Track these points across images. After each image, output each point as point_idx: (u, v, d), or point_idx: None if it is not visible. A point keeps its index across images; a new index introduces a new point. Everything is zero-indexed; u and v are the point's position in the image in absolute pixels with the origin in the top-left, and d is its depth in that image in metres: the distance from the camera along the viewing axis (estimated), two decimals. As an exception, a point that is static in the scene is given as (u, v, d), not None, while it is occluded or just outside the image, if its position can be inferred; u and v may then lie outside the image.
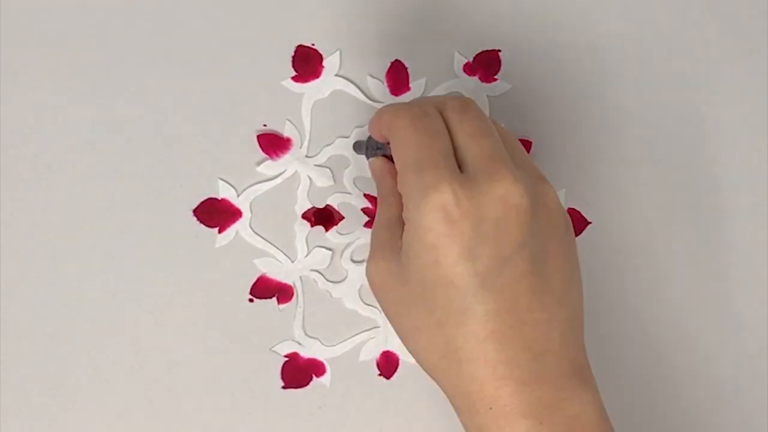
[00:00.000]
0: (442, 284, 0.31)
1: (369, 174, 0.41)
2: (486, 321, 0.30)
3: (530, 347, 0.31)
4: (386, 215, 0.35)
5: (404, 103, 0.34)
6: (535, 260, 0.31)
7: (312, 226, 0.41)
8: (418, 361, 0.33)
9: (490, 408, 0.31)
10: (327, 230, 0.41)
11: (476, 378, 0.31)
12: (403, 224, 0.33)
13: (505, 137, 0.34)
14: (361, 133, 0.40)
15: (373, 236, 0.35)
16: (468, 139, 0.32)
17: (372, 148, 0.38)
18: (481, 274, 0.30)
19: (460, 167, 0.32)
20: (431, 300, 0.31)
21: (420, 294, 0.31)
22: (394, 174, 0.35)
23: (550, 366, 0.31)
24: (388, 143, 0.35)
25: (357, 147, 0.40)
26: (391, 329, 0.40)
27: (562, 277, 0.32)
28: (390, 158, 0.36)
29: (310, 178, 0.41)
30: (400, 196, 0.33)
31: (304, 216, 0.40)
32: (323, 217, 0.41)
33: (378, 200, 0.36)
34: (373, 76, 0.41)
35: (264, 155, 0.40)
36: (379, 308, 0.40)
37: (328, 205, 0.41)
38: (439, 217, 0.30)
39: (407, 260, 0.31)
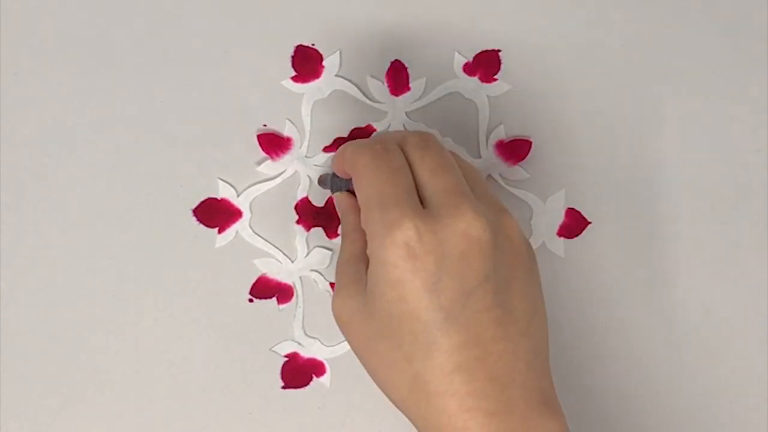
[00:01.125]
0: (408, 319, 0.31)
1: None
2: (452, 354, 0.31)
3: (497, 378, 0.31)
4: (350, 251, 0.35)
5: (365, 140, 0.35)
6: (498, 292, 0.31)
7: (308, 229, 0.41)
8: (387, 395, 0.34)
9: None
10: (330, 237, 0.41)
11: (445, 411, 0.31)
12: (367, 260, 0.33)
13: (467, 171, 0.34)
14: (327, 168, 0.41)
15: (338, 273, 0.35)
16: (429, 175, 0.32)
17: (336, 184, 0.38)
18: (446, 308, 0.31)
19: (422, 203, 0.32)
20: (397, 335, 0.31)
21: (386, 329, 0.32)
22: (357, 210, 0.35)
23: (517, 396, 0.31)
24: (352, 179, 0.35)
25: (321, 182, 0.40)
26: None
27: (527, 307, 0.32)
28: (354, 194, 0.36)
29: (310, 178, 0.41)
30: (363, 232, 0.34)
31: (300, 217, 0.40)
32: (322, 217, 0.41)
33: (341, 236, 0.36)
34: (373, 76, 0.41)
35: (264, 155, 0.41)
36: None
37: (327, 203, 0.41)
38: (402, 253, 0.30)
39: (372, 297, 0.32)
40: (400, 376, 0.32)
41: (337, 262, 0.35)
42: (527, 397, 0.31)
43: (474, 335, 0.31)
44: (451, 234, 0.31)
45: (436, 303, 0.31)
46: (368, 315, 0.32)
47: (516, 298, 0.32)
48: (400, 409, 0.33)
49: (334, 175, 0.38)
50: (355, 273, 0.34)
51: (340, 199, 0.37)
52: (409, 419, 0.33)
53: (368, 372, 0.34)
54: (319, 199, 0.41)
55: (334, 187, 0.38)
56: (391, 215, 0.31)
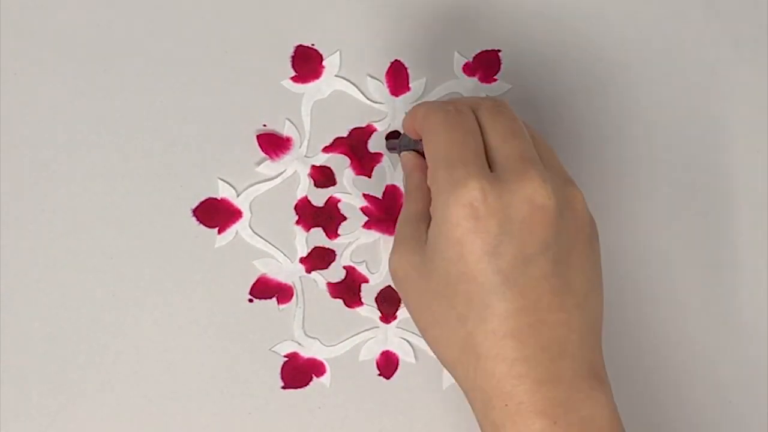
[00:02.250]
0: (465, 279, 0.31)
1: (368, 174, 0.41)
2: (506, 318, 0.31)
3: (548, 347, 0.31)
4: (412, 209, 0.35)
5: (438, 101, 0.35)
6: (558, 262, 0.31)
7: (308, 229, 0.41)
8: (436, 354, 0.34)
9: (506, 405, 0.31)
10: (330, 237, 0.41)
11: (493, 374, 0.31)
12: (428, 219, 0.33)
13: (537, 140, 0.34)
14: (392, 129, 0.41)
15: (398, 229, 0.35)
16: (499, 139, 0.33)
17: (405, 143, 0.38)
18: (504, 272, 0.31)
19: (490, 167, 0.32)
20: (453, 295, 0.31)
21: (442, 288, 0.32)
22: (423, 169, 0.35)
23: (567, 367, 0.31)
24: (421, 140, 0.35)
25: (389, 139, 0.40)
26: (391, 329, 0.41)
27: (584, 280, 0.32)
28: (421, 154, 0.36)
29: (310, 178, 0.41)
30: (427, 191, 0.34)
31: (300, 217, 0.40)
32: (322, 217, 0.41)
33: (405, 194, 0.36)
34: (372, 76, 0.41)
35: (264, 155, 0.41)
36: (376, 308, 0.41)
37: (327, 203, 0.41)
38: (466, 213, 0.31)
39: (432, 254, 0.32)
40: (452, 336, 0.32)
41: (398, 220, 0.35)
42: (577, 368, 0.31)
43: (530, 302, 0.31)
44: (516, 199, 0.31)
45: (494, 266, 0.31)
46: (426, 273, 0.32)
47: (574, 271, 0.32)
48: (447, 369, 0.33)
49: (403, 135, 0.38)
50: (415, 230, 0.34)
51: (407, 158, 0.37)
52: (456, 380, 0.33)
53: (420, 329, 0.34)
54: (318, 199, 0.41)
55: (402, 146, 0.38)
56: (458, 174, 0.31)
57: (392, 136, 0.40)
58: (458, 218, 0.31)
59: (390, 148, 0.40)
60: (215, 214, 0.40)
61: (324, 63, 0.41)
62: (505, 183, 0.31)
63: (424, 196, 0.35)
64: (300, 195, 0.41)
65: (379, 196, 0.41)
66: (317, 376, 0.40)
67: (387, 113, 0.41)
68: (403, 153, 0.38)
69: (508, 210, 0.31)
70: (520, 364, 0.31)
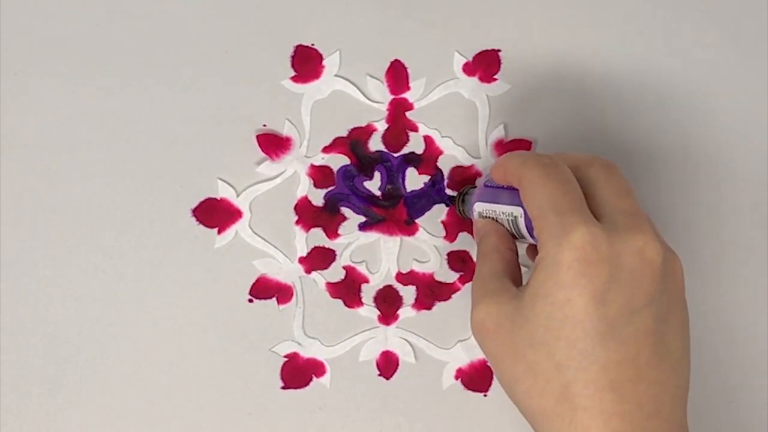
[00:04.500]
0: (570, 324, 0.31)
1: (369, 174, 0.41)
2: (607, 369, 0.30)
3: (643, 405, 0.31)
4: (491, 268, 0.35)
5: (529, 153, 0.35)
6: (658, 320, 0.31)
7: (308, 229, 0.41)
8: (524, 406, 0.32)
9: None
10: (329, 237, 0.41)
11: (589, 428, 0.30)
12: (511, 275, 0.34)
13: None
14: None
15: (479, 287, 0.35)
16: (614, 195, 0.33)
17: (468, 197, 0.39)
18: (610, 320, 0.30)
19: (597, 219, 0.32)
20: (553, 341, 0.31)
21: (542, 335, 0.31)
22: (498, 233, 0.36)
23: (660, 427, 0.31)
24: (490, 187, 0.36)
25: (451, 201, 0.41)
26: (391, 329, 0.41)
27: (680, 344, 0.32)
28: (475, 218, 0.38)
29: (309, 178, 0.41)
30: (504, 252, 0.35)
31: (300, 217, 0.40)
32: (322, 217, 0.41)
33: (480, 257, 0.36)
34: (372, 76, 0.41)
35: (264, 155, 0.40)
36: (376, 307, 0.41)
37: (326, 203, 0.41)
38: (578, 255, 0.31)
39: (533, 299, 0.32)
40: (548, 386, 0.31)
41: (476, 278, 0.35)
42: (668, 430, 0.31)
43: (630, 356, 0.31)
44: (627, 249, 0.31)
45: (602, 313, 0.30)
46: (522, 321, 0.32)
47: (672, 332, 0.32)
48: (536, 422, 0.32)
49: (468, 189, 0.40)
50: (501, 285, 0.34)
51: (483, 224, 0.37)
52: None
53: (506, 381, 0.33)
54: (318, 199, 0.41)
55: (465, 199, 0.39)
56: (568, 219, 0.31)
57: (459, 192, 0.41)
58: (570, 261, 0.31)
59: (450, 203, 0.41)
60: (215, 214, 0.40)
61: (324, 63, 0.41)
62: (616, 233, 0.31)
63: (501, 257, 0.35)
64: (300, 195, 0.41)
65: (380, 195, 0.41)
66: (317, 376, 0.40)
67: (387, 113, 0.41)
68: (478, 219, 0.37)
69: (618, 259, 0.31)
70: (616, 419, 0.30)
